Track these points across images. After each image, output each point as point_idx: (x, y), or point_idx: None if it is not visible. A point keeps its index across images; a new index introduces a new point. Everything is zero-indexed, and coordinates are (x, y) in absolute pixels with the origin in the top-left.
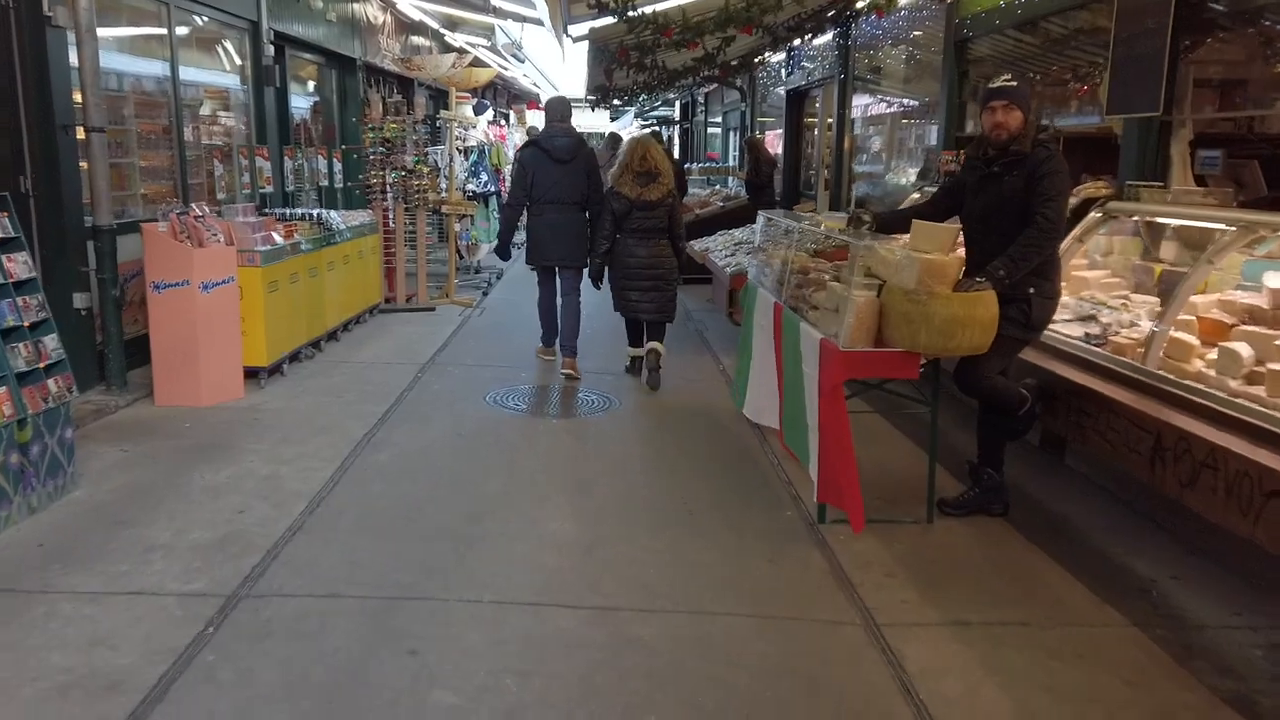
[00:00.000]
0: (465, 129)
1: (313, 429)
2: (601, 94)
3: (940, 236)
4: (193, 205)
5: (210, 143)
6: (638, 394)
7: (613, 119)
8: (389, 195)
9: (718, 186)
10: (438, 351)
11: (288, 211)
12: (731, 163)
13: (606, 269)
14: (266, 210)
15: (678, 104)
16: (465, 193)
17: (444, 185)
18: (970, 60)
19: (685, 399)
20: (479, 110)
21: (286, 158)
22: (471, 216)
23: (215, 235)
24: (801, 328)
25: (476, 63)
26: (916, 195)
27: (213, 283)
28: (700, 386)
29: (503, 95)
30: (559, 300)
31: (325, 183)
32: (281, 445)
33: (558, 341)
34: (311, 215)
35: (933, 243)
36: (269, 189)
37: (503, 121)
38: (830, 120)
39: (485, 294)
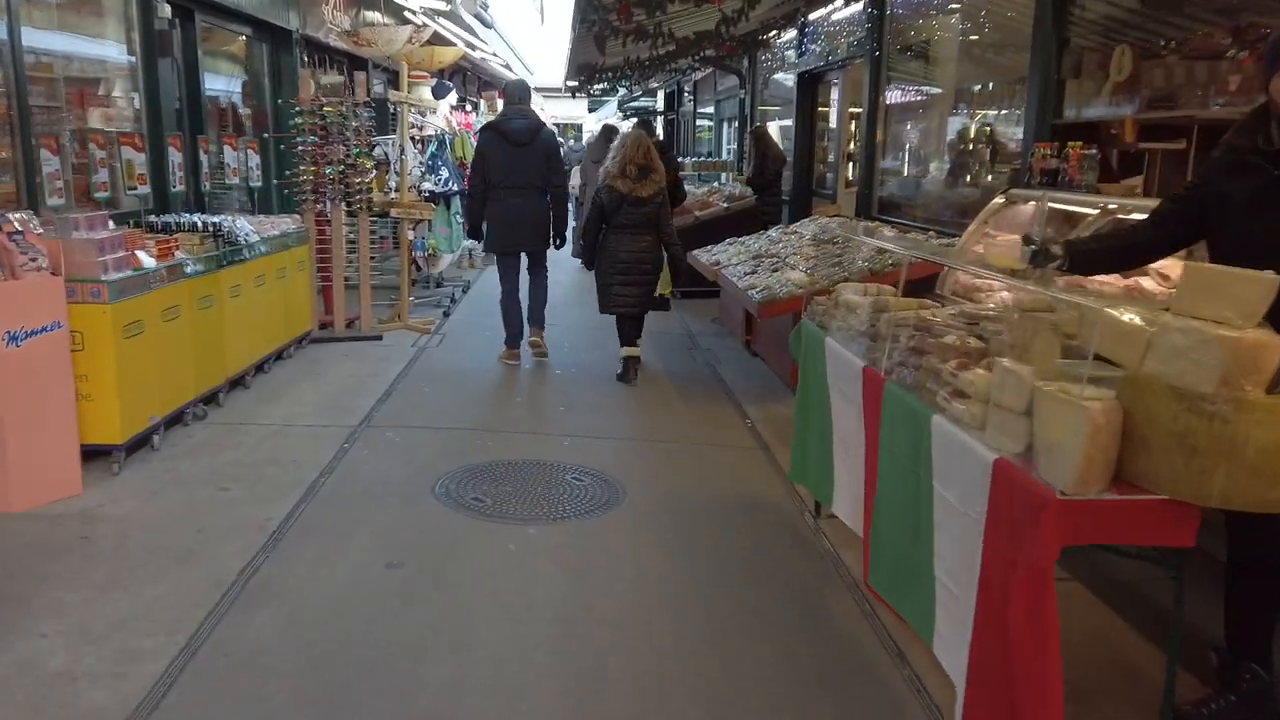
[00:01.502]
0: (422, 115)
1: (167, 558)
2: (587, 75)
3: (1246, 292)
4: (7, 215)
5: (89, 127)
6: (647, 468)
7: (591, 109)
8: (325, 196)
9: (715, 184)
10: (377, 404)
11: (176, 219)
12: (727, 157)
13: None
14: (156, 217)
15: (660, 94)
16: (420, 193)
17: (394, 183)
18: (1076, 22)
19: (714, 479)
20: (439, 92)
21: (203, 151)
22: (429, 221)
23: (35, 260)
24: (934, 426)
25: (438, 39)
26: (1000, 200)
27: (27, 331)
28: (731, 459)
29: (473, 81)
30: (525, 287)
31: (250, 181)
32: (104, 597)
33: (525, 317)
34: (207, 225)
35: (1232, 302)
36: (178, 188)
37: (469, 108)
38: (854, 109)
39: (447, 314)
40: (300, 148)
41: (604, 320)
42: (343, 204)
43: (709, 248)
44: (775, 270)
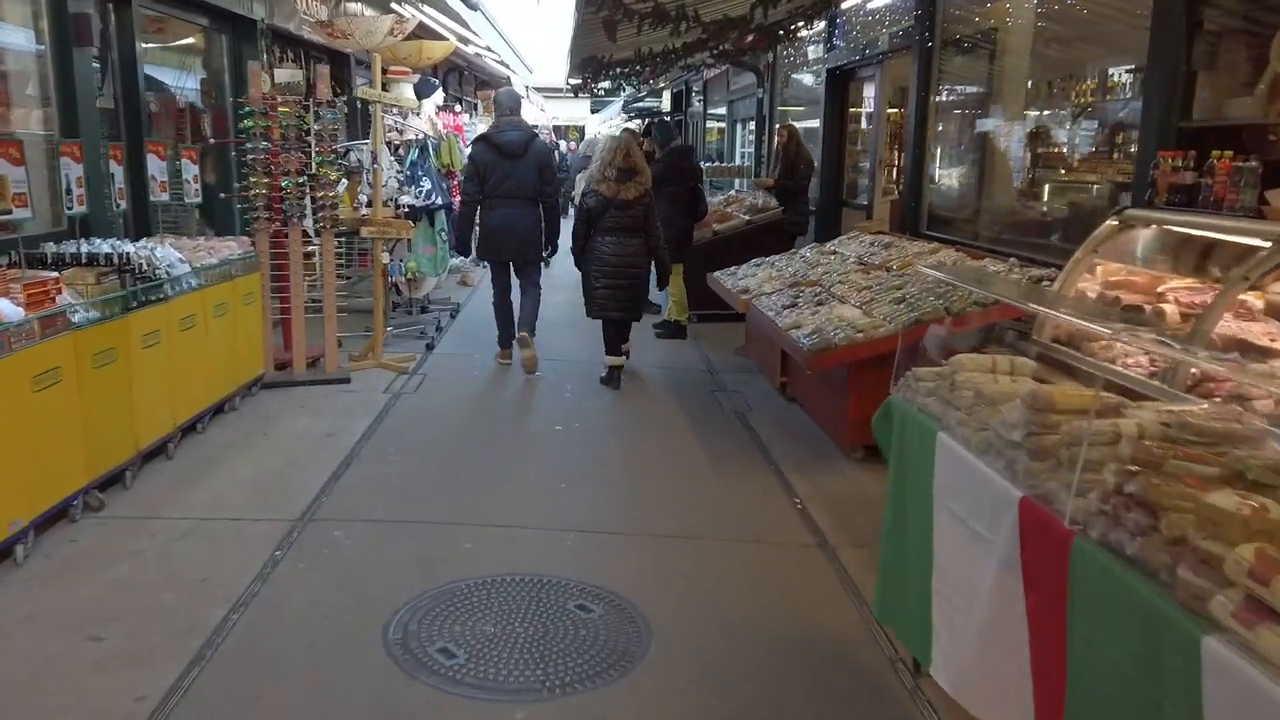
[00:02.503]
0: (403, 116)
1: None
2: (591, 71)
3: None
4: None
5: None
6: (675, 584)
7: (594, 110)
8: (282, 212)
9: (731, 192)
10: (330, 482)
11: (73, 250)
12: (742, 161)
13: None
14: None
15: (667, 95)
16: (398, 207)
17: (365, 197)
18: (1213, 2)
19: (766, 602)
20: (424, 90)
21: (153, 156)
22: (408, 241)
23: None
24: (1212, 657)
25: (426, 32)
26: (1113, 223)
27: None
28: (784, 566)
29: (469, 81)
30: (516, 295)
31: (187, 196)
32: None
33: (518, 325)
34: (112, 256)
35: None
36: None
37: (459, 109)
38: (891, 109)
39: (430, 346)
40: (250, 156)
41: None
42: (302, 222)
43: (733, 270)
44: (820, 303)
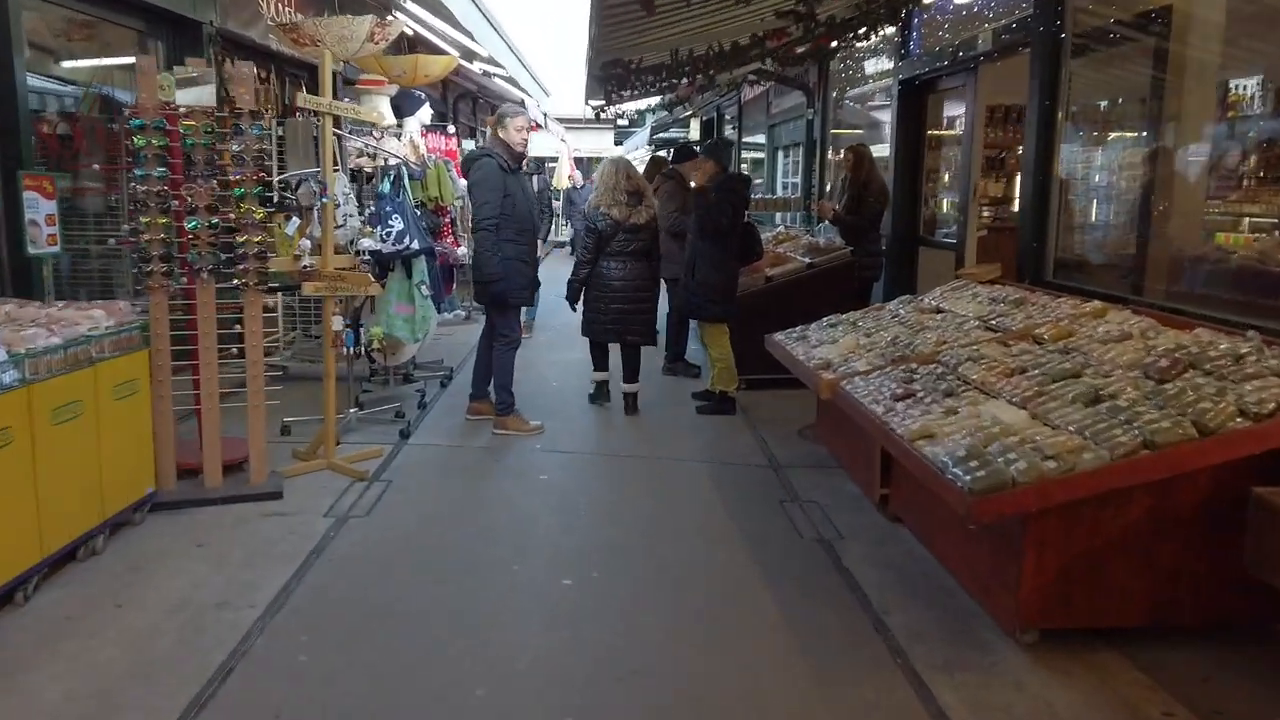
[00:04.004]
0: (378, 136)
1: None
2: (616, 81)
3: None
4: None
5: None
6: None
7: (617, 142)
8: (188, 264)
9: (784, 227)
10: (187, 715)
11: None
12: (787, 192)
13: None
14: None
15: (695, 123)
16: (359, 254)
17: (307, 243)
18: None
19: None
20: (409, 106)
21: (29, 191)
22: (371, 299)
23: None
24: None
25: (422, 44)
26: None
27: None
28: None
29: (485, 110)
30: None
31: (35, 244)
32: None
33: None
34: None
35: None
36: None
37: (450, 129)
38: (979, 126)
39: (405, 433)
40: (140, 186)
41: (638, 479)
42: (209, 279)
43: (800, 332)
44: (949, 393)
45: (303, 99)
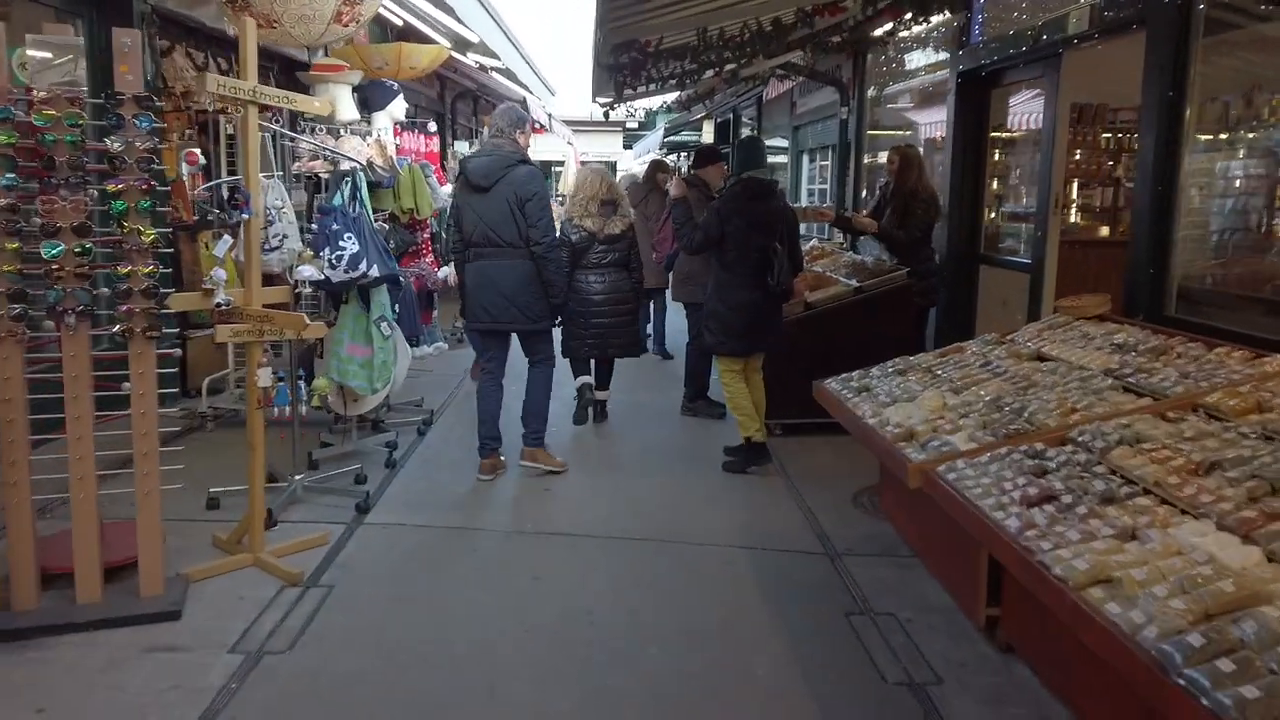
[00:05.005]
0: (337, 135)
1: None
2: (629, 69)
3: None
4: None
5: None
6: None
7: (627, 145)
8: (51, 307)
9: (813, 241)
10: None
11: None
12: (815, 199)
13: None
14: None
15: (709, 126)
16: (302, 286)
17: (221, 274)
18: None
19: None
20: (376, 99)
21: None
22: (315, 343)
23: None
24: None
25: (410, 34)
26: None
27: None
28: None
29: (486, 109)
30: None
31: None
32: None
33: (523, 432)
34: None
35: None
36: None
37: (430, 127)
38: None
39: (363, 508)
40: None
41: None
42: (77, 320)
43: (860, 381)
44: (1110, 498)
45: (214, 81)
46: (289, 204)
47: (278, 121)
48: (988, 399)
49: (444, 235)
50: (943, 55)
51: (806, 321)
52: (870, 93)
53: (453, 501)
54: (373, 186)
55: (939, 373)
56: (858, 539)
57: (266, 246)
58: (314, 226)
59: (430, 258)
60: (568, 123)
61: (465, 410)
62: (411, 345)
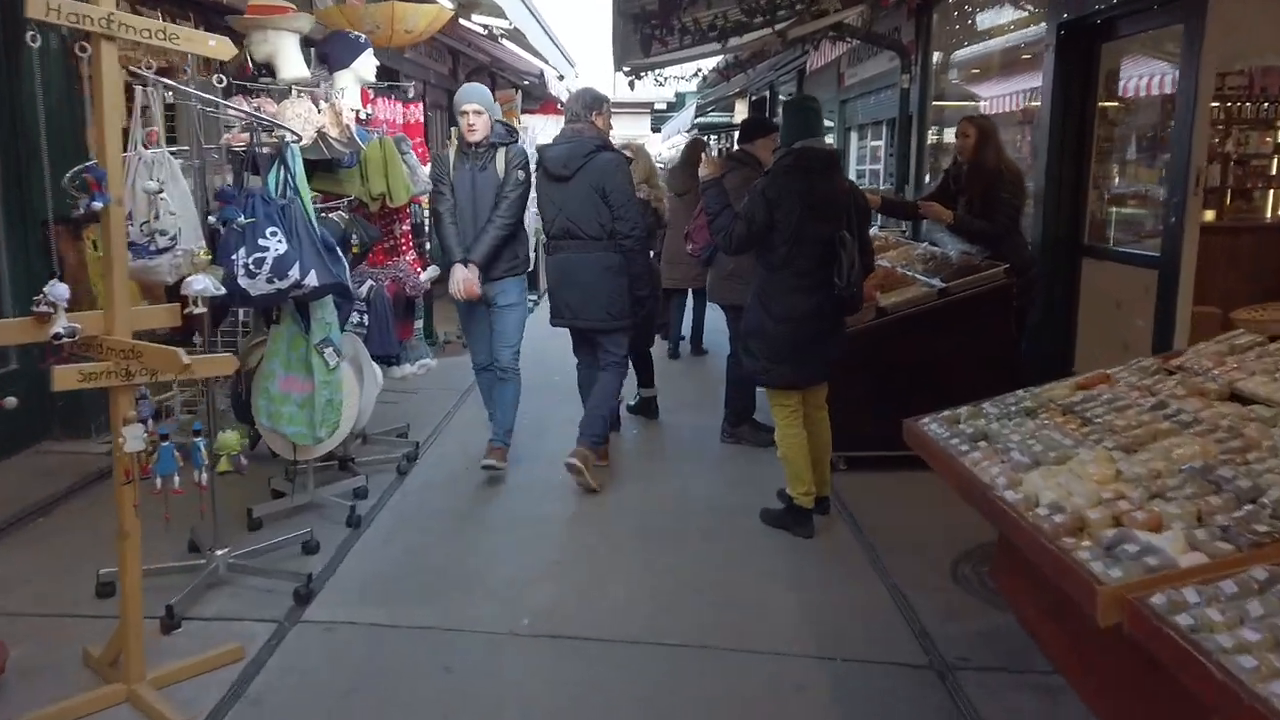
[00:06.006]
0: (275, 99)
1: None
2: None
3: None
4: None
5: None
6: None
7: (654, 128)
8: None
9: (875, 229)
10: None
11: None
12: (865, 182)
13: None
14: None
15: (741, 105)
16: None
17: (61, 290)
18: None
19: None
20: (338, 55)
21: None
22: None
23: None
24: None
25: None
26: None
27: None
28: None
29: (503, 84)
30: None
31: None
32: None
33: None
34: None
35: None
36: None
37: (410, 92)
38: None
39: (304, 596)
40: None
41: None
42: None
43: (971, 423)
44: None
45: (40, 4)
46: (184, 187)
47: (195, 79)
48: (1191, 468)
49: (427, 228)
50: (1028, 9)
51: (877, 331)
52: (936, 58)
53: (428, 580)
54: (329, 166)
55: (1089, 415)
56: (972, 640)
57: (151, 248)
58: (212, 219)
59: (411, 256)
60: None
61: (459, 440)
62: (389, 366)
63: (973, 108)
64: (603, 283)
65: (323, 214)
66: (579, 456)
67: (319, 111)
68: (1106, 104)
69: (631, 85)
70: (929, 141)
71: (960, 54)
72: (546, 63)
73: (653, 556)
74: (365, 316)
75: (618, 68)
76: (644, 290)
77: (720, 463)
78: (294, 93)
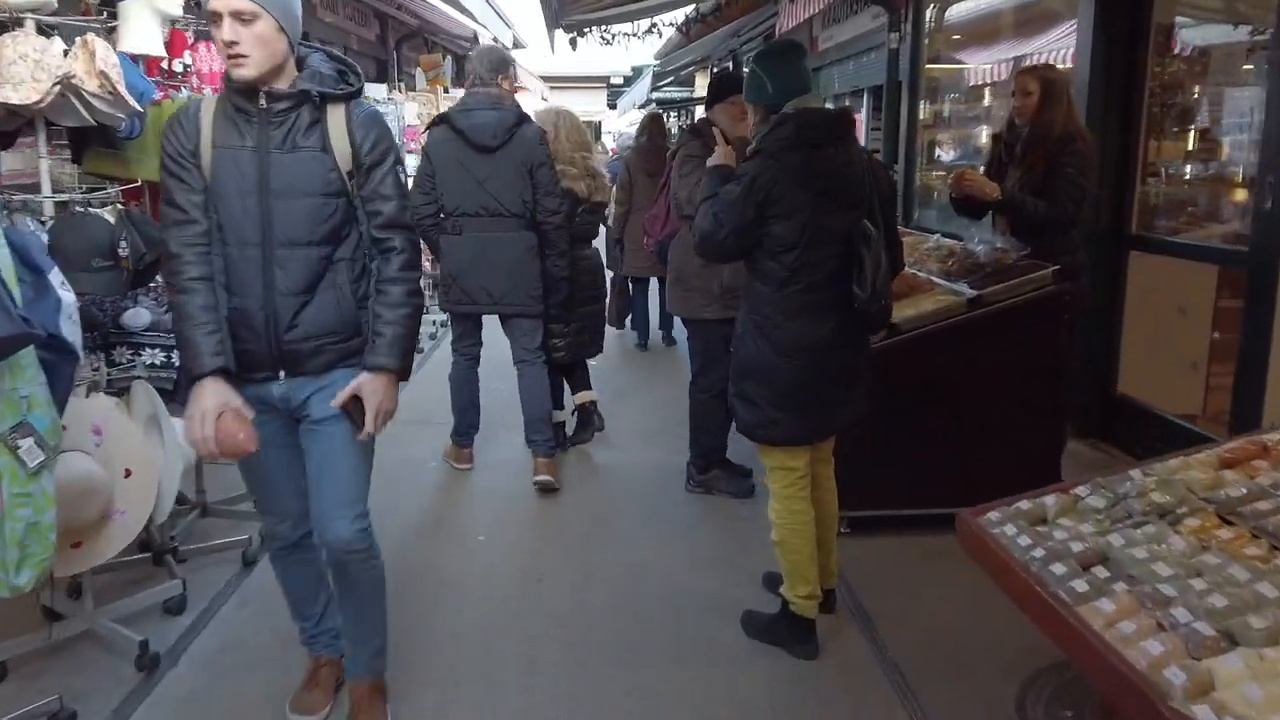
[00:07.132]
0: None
1: None
2: None
3: None
4: None
5: None
6: None
7: (611, 104)
8: None
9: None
10: None
11: None
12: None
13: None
14: None
15: (701, 78)
16: None
17: None
18: None
19: None
20: None
21: None
22: None
23: None
24: None
25: None
26: None
27: None
28: None
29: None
30: (516, 370)
31: None
32: None
33: (525, 433)
34: None
35: None
36: None
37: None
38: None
39: None
40: None
41: None
42: None
43: (1053, 534)
44: None
45: None
46: None
47: None
48: None
49: None
50: None
51: (887, 354)
52: (930, 12)
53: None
54: (107, 138)
55: (1269, 524)
56: None
57: None
58: None
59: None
60: (547, 79)
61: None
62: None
63: (975, 71)
64: (527, 264)
65: (80, 208)
66: (545, 470)
67: (65, 55)
68: (1163, 62)
69: (573, 44)
70: (920, 116)
71: (962, 6)
72: (484, 27)
73: (602, 693)
74: (174, 355)
75: (555, 24)
76: (564, 272)
77: (686, 527)
78: (28, 24)
